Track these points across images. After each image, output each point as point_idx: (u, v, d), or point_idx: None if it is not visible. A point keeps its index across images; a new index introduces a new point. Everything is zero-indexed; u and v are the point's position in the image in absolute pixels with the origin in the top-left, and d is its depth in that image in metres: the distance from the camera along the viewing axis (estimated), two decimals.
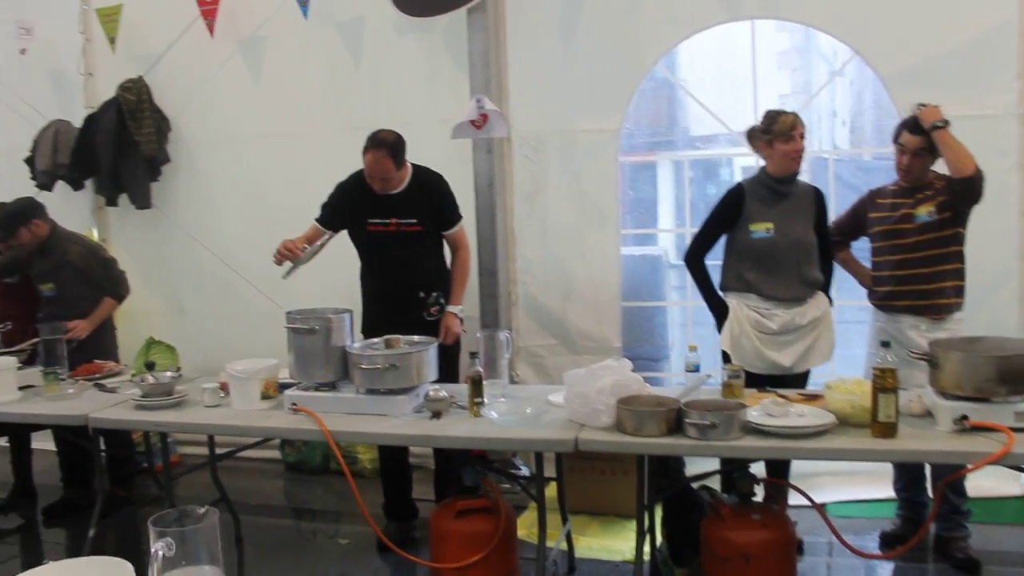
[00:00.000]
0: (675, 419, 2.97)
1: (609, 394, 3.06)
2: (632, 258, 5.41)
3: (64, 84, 5.82)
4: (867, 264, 4.00)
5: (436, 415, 3.32)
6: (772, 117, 3.79)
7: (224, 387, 3.72)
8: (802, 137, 3.76)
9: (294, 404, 3.50)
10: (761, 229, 3.81)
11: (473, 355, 3.45)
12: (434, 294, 4.16)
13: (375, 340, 3.70)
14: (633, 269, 5.35)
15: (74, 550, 4.34)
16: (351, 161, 4.13)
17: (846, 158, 10.12)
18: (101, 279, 4.78)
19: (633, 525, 4.16)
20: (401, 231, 4.10)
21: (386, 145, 3.97)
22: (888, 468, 4.10)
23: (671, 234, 7.37)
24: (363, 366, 3.42)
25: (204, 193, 5.63)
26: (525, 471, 4.81)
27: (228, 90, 5.42)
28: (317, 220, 4.18)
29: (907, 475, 3.96)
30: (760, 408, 3.05)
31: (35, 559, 4.46)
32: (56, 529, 4.79)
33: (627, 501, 4.28)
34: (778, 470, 3.86)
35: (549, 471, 3.65)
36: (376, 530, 3.47)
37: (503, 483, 4.28)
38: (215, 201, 5.61)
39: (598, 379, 3.10)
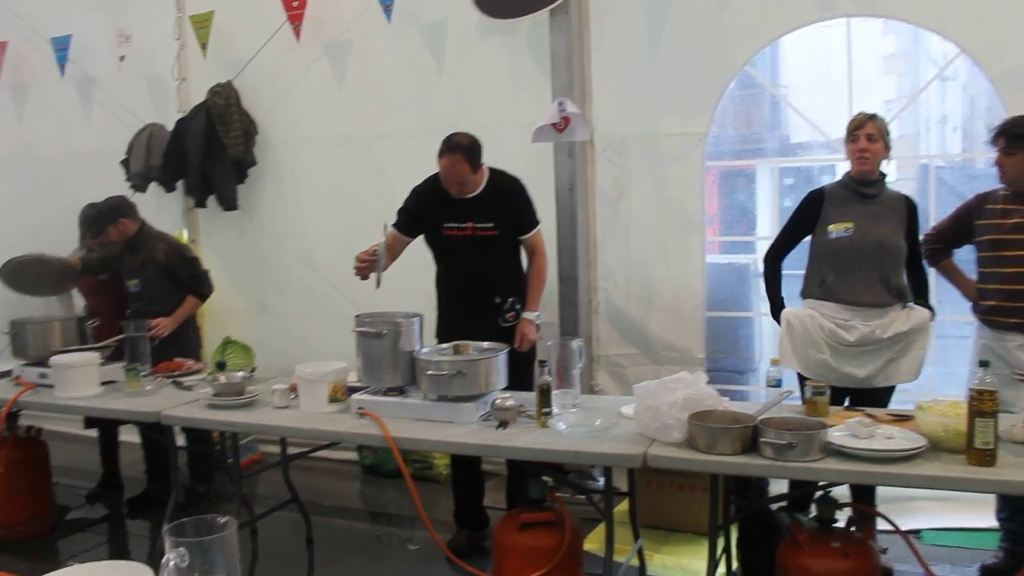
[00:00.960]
0: (750, 437, 2.81)
1: (681, 408, 2.91)
2: (718, 266, 5.23)
3: (159, 89, 5.96)
4: (972, 275, 3.74)
5: (503, 424, 3.23)
6: None
7: (294, 388, 3.71)
8: (870, 139, 3.61)
9: (361, 408, 3.46)
10: (840, 229, 3.65)
11: (542, 363, 3.34)
12: (510, 299, 4.09)
13: (444, 346, 3.64)
14: (719, 278, 5.16)
15: (155, 542, 4.42)
16: (433, 164, 4.08)
17: (956, 165, 9.62)
18: (184, 277, 4.85)
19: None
20: (477, 235, 4.04)
21: (462, 149, 3.90)
22: (991, 495, 3.82)
23: (767, 242, 7.10)
24: (430, 372, 3.36)
25: (288, 195, 5.68)
26: (602, 482, 4.69)
27: (313, 93, 5.46)
28: (394, 225, 4.14)
29: (1012, 504, 3.67)
30: (844, 428, 2.86)
31: (120, 549, 4.59)
32: (139, 521, 4.89)
33: (704, 518, 4.11)
34: (864, 494, 3.63)
35: (621, 483, 3.53)
36: (438, 541, 3.40)
37: (577, 494, 4.16)
38: (299, 203, 5.66)
39: (670, 392, 2.95)
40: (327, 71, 5.39)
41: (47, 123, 6.46)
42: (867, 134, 3.61)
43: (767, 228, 8.92)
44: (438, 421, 3.33)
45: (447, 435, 3.21)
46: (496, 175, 4.09)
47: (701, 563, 3.92)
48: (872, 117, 3.63)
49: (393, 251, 4.05)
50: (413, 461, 4.91)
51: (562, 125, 4.51)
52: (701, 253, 4.72)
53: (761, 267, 4.03)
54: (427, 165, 4.17)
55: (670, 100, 4.66)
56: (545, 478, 3.54)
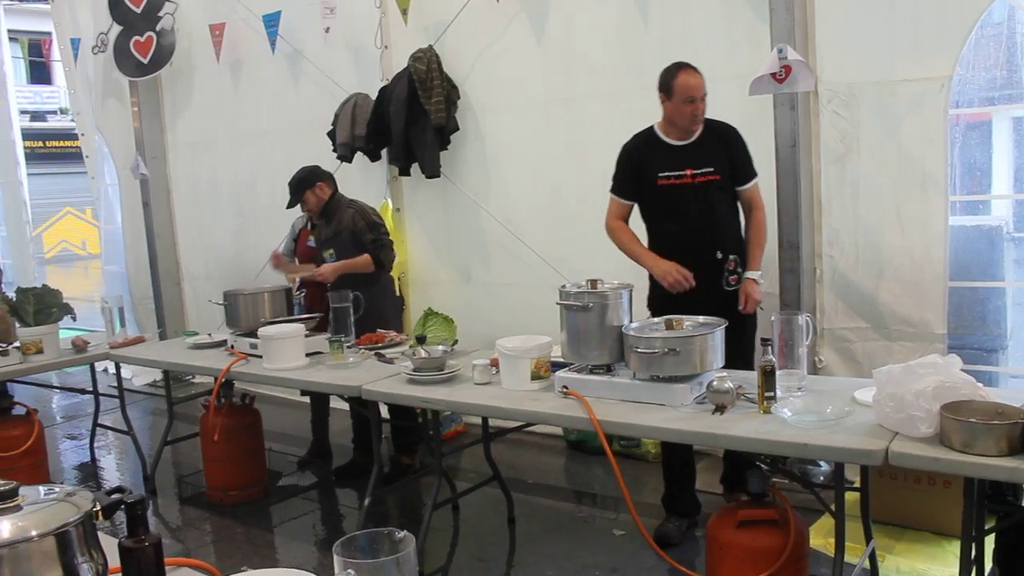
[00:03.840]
0: (1019, 435, 2.37)
1: (931, 398, 2.50)
2: (963, 229, 4.60)
3: (363, 58, 5.96)
4: None
5: (720, 408, 2.92)
6: None
7: (495, 363, 3.56)
8: None
9: (565, 387, 3.26)
10: None
11: (765, 342, 3.01)
12: (731, 256, 3.83)
13: (655, 320, 3.36)
14: (964, 242, 4.55)
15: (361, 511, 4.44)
16: (641, 124, 3.87)
17: None
18: (366, 240, 4.77)
19: (951, 546, 3.57)
20: (697, 182, 3.80)
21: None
22: None
23: (1007, 202, 6.32)
24: (640, 349, 3.10)
25: (490, 161, 5.54)
26: (825, 466, 4.28)
27: (513, 55, 5.26)
28: (613, 192, 3.96)
29: None
30: None
31: (328, 517, 4.65)
32: (346, 490, 4.95)
33: (945, 516, 3.67)
34: None
35: (851, 475, 3.15)
36: (644, 533, 3.15)
37: (792, 481, 3.79)
38: (501, 169, 5.50)
39: (918, 379, 2.55)
40: (527, 30, 5.16)
41: (260, 98, 6.66)
42: None
43: (1004, 186, 8.02)
44: (648, 403, 3.08)
45: (658, 419, 2.94)
46: (711, 121, 3.86)
47: (941, 569, 3.51)
48: None
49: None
50: (619, 438, 4.67)
51: (782, 75, 4.08)
52: (943, 215, 4.16)
53: (1012, 229, 3.46)
54: (634, 126, 3.99)
55: (907, 41, 4.12)
56: (760, 464, 3.22)
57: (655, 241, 3.96)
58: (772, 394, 2.90)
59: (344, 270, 4.71)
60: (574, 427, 3.89)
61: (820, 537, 3.62)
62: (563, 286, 3.42)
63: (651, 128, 3.92)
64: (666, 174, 3.82)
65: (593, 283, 3.35)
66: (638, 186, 3.91)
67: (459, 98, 5.52)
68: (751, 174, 3.88)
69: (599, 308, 3.26)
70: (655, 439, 3.82)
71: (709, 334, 3.10)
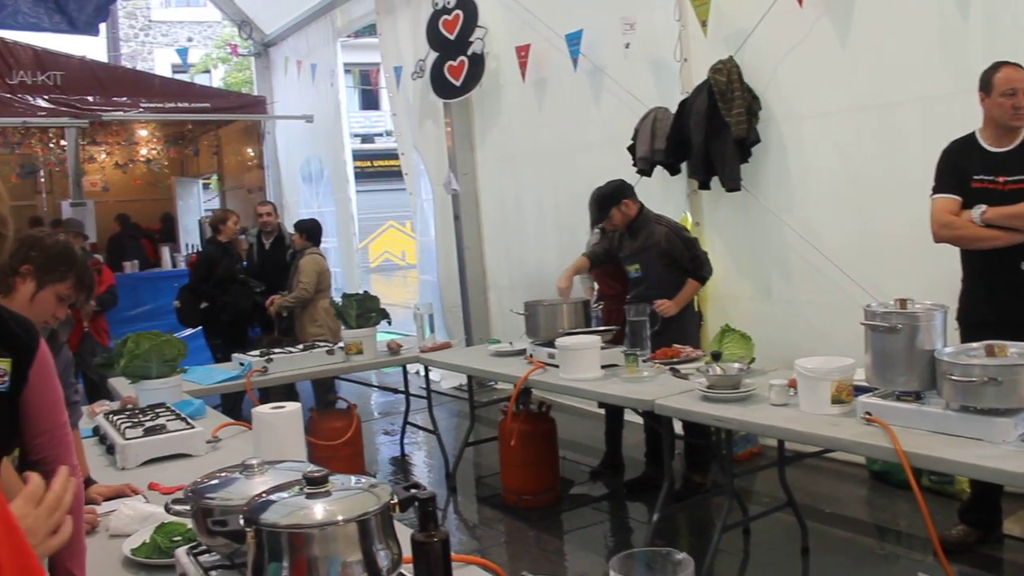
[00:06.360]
0: None
1: None
2: None
3: (663, 72, 5.95)
4: None
5: None
6: None
7: (793, 384, 3.42)
8: None
9: (868, 413, 3.06)
10: None
11: None
12: None
13: (974, 346, 3.06)
14: None
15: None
16: (962, 130, 3.64)
17: None
18: (684, 259, 4.78)
19: None
20: (1006, 189, 3.57)
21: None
22: None
23: None
24: (954, 377, 2.84)
25: (793, 173, 5.31)
26: None
27: (816, 60, 4.99)
28: (938, 191, 3.73)
29: None
30: None
31: (618, 530, 4.70)
32: (636, 503, 4.96)
33: None
34: None
35: None
36: (948, 571, 2.87)
37: None
38: (805, 181, 5.25)
39: None
40: (831, 34, 4.86)
41: (563, 114, 6.86)
42: None
43: None
44: (963, 436, 2.82)
45: (974, 456, 2.68)
46: None
47: None
48: None
49: None
50: (929, 472, 4.30)
51: None
52: None
53: None
54: (953, 132, 3.75)
55: None
56: None
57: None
58: None
59: (683, 303, 4.79)
60: (876, 457, 3.63)
61: None
62: (868, 305, 3.23)
63: (972, 133, 3.71)
64: (980, 178, 3.62)
65: (902, 303, 3.13)
66: (960, 183, 3.69)
67: (760, 109, 5.36)
68: None
69: (908, 330, 3.03)
70: (969, 476, 3.48)
71: None
